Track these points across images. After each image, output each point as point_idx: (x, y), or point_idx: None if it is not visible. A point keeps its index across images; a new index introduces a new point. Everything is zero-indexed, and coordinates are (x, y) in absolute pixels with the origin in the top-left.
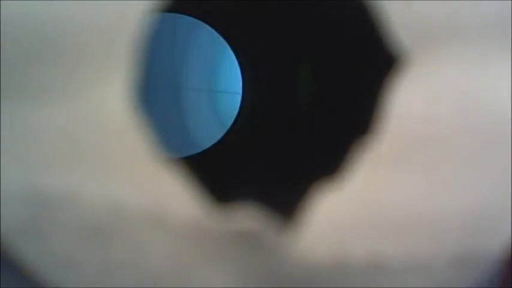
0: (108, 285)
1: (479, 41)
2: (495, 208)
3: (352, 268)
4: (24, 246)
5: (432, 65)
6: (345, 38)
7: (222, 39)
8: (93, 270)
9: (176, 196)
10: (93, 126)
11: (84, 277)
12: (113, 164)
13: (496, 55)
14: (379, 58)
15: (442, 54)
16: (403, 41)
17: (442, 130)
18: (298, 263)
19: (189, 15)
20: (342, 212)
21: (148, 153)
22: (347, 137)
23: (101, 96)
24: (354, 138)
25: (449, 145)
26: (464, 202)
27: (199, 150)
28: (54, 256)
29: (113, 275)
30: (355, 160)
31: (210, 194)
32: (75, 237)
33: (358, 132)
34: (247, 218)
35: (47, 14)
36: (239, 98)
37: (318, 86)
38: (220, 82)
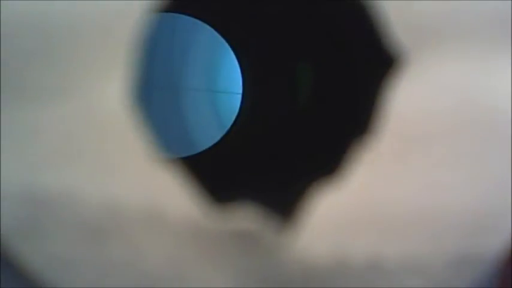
0: (107, 285)
1: (478, 39)
2: (495, 206)
3: (351, 268)
4: (22, 246)
5: (431, 64)
6: (344, 38)
7: (222, 39)
8: (91, 270)
9: (174, 196)
10: (92, 126)
11: (82, 277)
12: (111, 164)
13: (496, 53)
14: (378, 58)
15: (441, 52)
16: (401, 40)
17: (441, 129)
18: (297, 263)
19: (189, 15)
20: (340, 212)
21: (146, 152)
22: (346, 136)
23: (99, 96)
24: (352, 137)
25: (448, 144)
26: (463, 201)
27: (199, 150)
28: (53, 256)
29: (111, 274)
30: (354, 160)
31: (209, 194)
32: (73, 237)
33: (357, 132)
34: (246, 218)
35: (46, 13)
36: (239, 98)
37: (318, 86)
38: (220, 82)
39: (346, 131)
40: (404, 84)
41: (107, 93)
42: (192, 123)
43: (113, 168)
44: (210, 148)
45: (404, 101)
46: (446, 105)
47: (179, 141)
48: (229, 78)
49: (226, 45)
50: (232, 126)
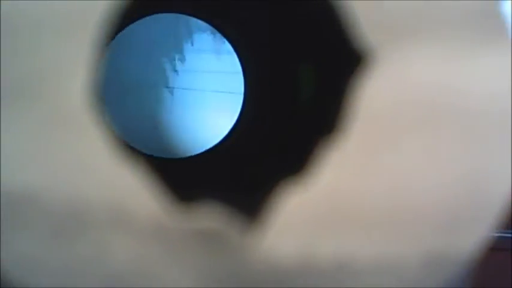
0: (73, 284)
1: (447, 37)
2: (467, 205)
3: (319, 269)
4: None
5: (401, 61)
6: (315, 38)
7: (222, 39)
8: (57, 269)
9: (140, 195)
10: (57, 126)
11: (49, 276)
12: (76, 163)
13: (466, 50)
14: (346, 56)
15: (410, 50)
16: (370, 38)
17: (410, 126)
18: (263, 263)
19: (189, 15)
20: (308, 212)
21: (111, 152)
22: (312, 135)
23: (64, 95)
24: (319, 136)
25: (418, 142)
26: (435, 199)
27: (199, 151)
28: (20, 255)
29: (77, 273)
30: (321, 159)
31: (173, 193)
32: (40, 236)
33: (324, 131)
34: (211, 217)
35: (9, 12)
36: (240, 98)
37: (318, 86)
38: (220, 82)
39: (313, 130)
40: (372, 82)
41: (72, 93)
42: (192, 123)
43: (79, 168)
44: (210, 148)
45: (373, 99)
46: (416, 102)
47: (179, 142)
48: (229, 78)
49: (227, 45)
50: (233, 126)
